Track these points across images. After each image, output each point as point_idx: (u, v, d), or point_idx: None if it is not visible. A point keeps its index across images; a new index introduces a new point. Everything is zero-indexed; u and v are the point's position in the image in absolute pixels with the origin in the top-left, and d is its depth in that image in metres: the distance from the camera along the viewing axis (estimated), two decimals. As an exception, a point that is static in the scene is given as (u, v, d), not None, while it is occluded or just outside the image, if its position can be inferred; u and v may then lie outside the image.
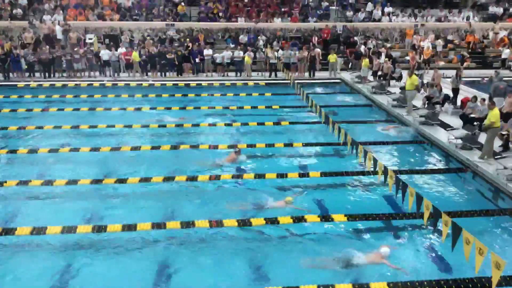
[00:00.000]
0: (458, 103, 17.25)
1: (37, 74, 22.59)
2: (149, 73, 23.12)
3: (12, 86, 21.24)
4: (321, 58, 24.02)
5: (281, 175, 11.91)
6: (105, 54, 22.50)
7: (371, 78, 21.98)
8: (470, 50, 26.21)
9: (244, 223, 9.62)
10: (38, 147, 13.95)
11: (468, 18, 29.71)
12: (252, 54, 23.51)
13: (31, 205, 10.66)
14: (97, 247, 8.92)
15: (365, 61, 22.34)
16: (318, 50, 23.92)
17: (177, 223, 9.57)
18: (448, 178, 12.28)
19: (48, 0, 27.73)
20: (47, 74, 22.45)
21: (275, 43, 25.26)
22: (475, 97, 15.17)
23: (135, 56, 22.27)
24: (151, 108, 18.19)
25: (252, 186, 11.60)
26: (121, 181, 11.59)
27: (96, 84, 21.77)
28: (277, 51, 24.01)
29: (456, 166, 12.90)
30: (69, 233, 9.20)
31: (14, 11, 26.50)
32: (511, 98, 14.41)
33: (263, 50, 24.36)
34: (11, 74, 22.16)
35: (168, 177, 11.75)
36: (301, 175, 12.11)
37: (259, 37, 25.67)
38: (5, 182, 11.46)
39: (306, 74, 23.67)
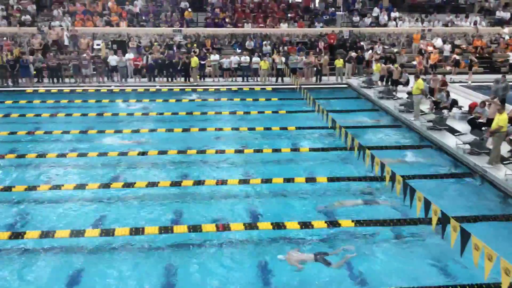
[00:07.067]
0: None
1: (45, 80, 22.81)
2: (157, 78, 23.27)
3: (21, 92, 21.44)
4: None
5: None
6: (112, 59, 22.68)
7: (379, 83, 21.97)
8: (477, 55, 26.10)
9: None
10: (47, 152, 14.07)
11: (475, 23, 29.63)
12: (270, 59, 23.56)
13: (39, 210, 10.71)
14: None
15: (376, 66, 22.30)
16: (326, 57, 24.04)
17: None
18: (456, 183, 12.23)
19: (57, 6, 28.01)
20: (55, 80, 22.66)
21: (281, 48, 25.33)
22: (483, 102, 15.09)
23: (195, 60, 22.53)
24: (158, 113, 18.32)
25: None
26: (128, 185, 11.66)
27: (104, 89, 21.93)
28: (284, 56, 24.07)
29: (464, 171, 12.83)
30: (77, 237, 9.26)
31: (23, 18, 26.80)
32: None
33: (271, 55, 24.40)
34: (20, 80, 22.35)
35: (176, 182, 11.88)
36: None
37: (265, 43, 25.75)
38: (14, 186, 11.54)
39: (313, 79, 23.72)
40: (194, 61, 22.59)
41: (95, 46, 24.74)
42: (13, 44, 24.63)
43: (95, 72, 22.87)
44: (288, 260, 8.59)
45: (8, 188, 11.48)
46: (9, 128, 16.27)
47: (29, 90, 21.66)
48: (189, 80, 23.21)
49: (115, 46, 24.61)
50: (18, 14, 27.02)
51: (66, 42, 24.89)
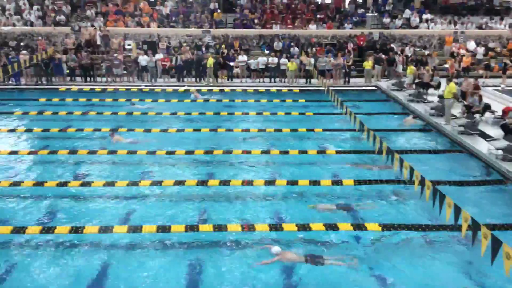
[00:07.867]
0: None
1: (78, 79, 23.37)
2: (185, 79, 23.53)
3: (54, 90, 22.04)
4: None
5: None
6: (143, 60, 23.05)
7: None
8: (512, 58, 25.33)
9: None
10: (78, 149, 14.41)
11: (510, 25, 28.77)
12: (298, 61, 23.48)
13: (69, 205, 10.97)
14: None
15: (410, 68, 21.92)
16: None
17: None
18: (488, 190, 11.87)
19: (90, 7, 28.69)
20: (88, 78, 23.19)
21: (309, 49, 25.22)
22: (517, 107, 14.67)
23: (210, 61, 22.69)
24: (186, 113, 18.51)
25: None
26: (156, 183, 11.81)
27: (134, 88, 22.31)
28: (313, 57, 23.93)
29: (496, 178, 12.46)
30: (105, 233, 9.46)
31: (57, 18, 27.55)
32: None
33: (298, 56, 24.32)
34: (53, 78, 23.00)
35: (203, 181, 11.96)
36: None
37: (293, 44, 25.67)
38: (45, 182, 11.86)
39: (341, 81, 23.54)
40: (210, 61, 22.65)
41: (126, 46, 25.21)
42: (47, 43, 25.36)
43: (125, 72, 23.30)
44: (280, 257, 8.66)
45: (40, 183, 11.81)
46: (42, 125, 16.74)
47: (62, 88, 22.24)
48: (216, 81, 23.36)
49: (145, 47, 25.02)
50: (53, 14, 27.80)
51: (99, 42, 25.46)
